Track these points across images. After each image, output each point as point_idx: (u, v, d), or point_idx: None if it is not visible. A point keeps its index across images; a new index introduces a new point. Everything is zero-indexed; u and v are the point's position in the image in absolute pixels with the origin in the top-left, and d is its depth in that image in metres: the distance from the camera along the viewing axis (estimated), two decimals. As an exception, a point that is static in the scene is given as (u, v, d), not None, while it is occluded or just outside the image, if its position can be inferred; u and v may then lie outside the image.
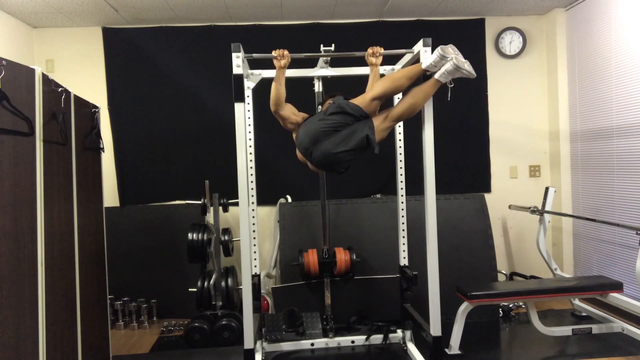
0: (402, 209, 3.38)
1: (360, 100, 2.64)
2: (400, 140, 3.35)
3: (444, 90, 2.63)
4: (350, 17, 4.37)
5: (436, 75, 2.59)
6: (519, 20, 4.50)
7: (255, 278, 3.05)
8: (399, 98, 3.18)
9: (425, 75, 2.68)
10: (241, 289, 2.82)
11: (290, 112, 2.79)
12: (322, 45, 3.11)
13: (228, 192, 3.86)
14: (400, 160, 3.36)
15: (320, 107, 3.14)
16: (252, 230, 3.10)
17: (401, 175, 3.36)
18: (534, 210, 3.99)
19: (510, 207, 4.36)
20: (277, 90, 2.67)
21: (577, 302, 3.82)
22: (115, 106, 4.33)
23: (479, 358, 3.14)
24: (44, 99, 2.24)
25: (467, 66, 2.54)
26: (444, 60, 2.53)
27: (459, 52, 2.57)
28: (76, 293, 2.55)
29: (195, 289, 3.69)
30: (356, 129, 2.55)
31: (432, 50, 2.72)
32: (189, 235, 3.67)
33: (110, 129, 4.32)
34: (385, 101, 2.74)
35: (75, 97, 2.65)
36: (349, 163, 2.63)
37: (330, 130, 2.54)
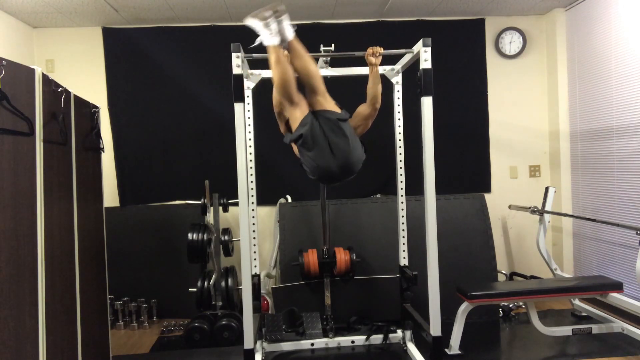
0: (402, 209, 3.38)
1: (291, 114, 2.53)
2: (400, 140, 3.35)
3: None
4: (350, 17, 4.37)
5: (286, 38, 2.43)
6: (519, 20, 4.50)
7: (255, 278, 3.05)
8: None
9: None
10: (241, 289, 2.82)
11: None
12: (322, 45, 3.11)
13: (228, 192, 3.85)
14: (400, 160, 3.36)
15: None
16: (252, 230, 3.10)
17: (401, 175, 3.36)
18: (534, 210, 3.99)
19: (510, 207, 4.36)
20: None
21: (577, 302, 3.82)
22: (115, 106, 4.33)
23: (479, 358, 3.14)
24: (44, 99, 2.24)
25: (277, 9, 2.39)
26: (270, 23, 2.38)
27: (266, 10, 2.40)
28: (76, 293, 2.55)
29: (195, 289, 3.68)
30: (323, 122, 2.46)
31: (432, 51, 2.73)
32: (189, 235, 3.67)
33: (110, 129, 4.32)
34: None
35: (75, 97, 2.65)
36: (363, 145, 2.57)
37: (326, 150, 2.44)
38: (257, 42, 2.46)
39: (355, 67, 3.26)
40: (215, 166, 4.31)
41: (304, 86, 2.54)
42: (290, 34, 2.43)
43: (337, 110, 2.52)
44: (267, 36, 2.41)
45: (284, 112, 2.70)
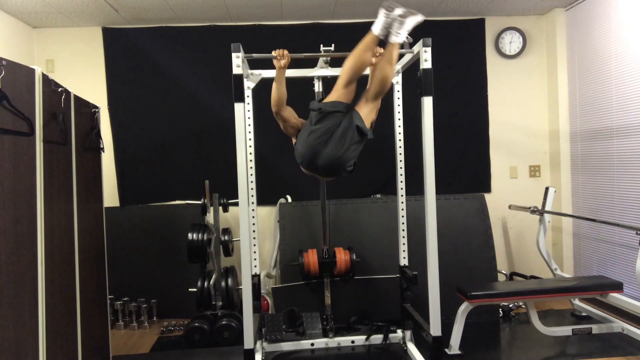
0: (402, 209, 3.38)
1: (334, 95, 2.60)
2: (400, 140, 3.35)
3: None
4: (350, 17, 4.37)
5: (390, 40, 2.53)
6: (519, 20, 4.50)
7: (255, 278, 3.05)
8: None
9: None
10: (241, 289, 2.82)
11: (291, 115, 2.77)
12: (322, 45, 3.11)
13: (228, 192, 3.85)
14: (400, 160, 3.36)
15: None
16: (252, 230, 3.10)
17: (401, 175, 3.36)
18: (534, 210, 3.99)
19: (510, 207, 4.36)
20: (278, 91, 2.66)
21: (577, 302, 3.82)
22: (115, 106, 4.33)
23: (479, 358, 3.15)
24: (44, 99, 2.24)
25: (413, 16, 2.47)
26: (390, 19, 2.47)
27: (401, 7, 2.48)
28: (76, 293, 2.55)
29: (195, 289, 3.68)
30: (346, 125, 2.52)
31: (432, 51, 2.72)
32: (189, 235, 3.67)
33: (110, 129, 4.32)
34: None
35: (75, 97, 2.65)
36: (355, 159, 2.61)
37: (324, 138, 2.51)
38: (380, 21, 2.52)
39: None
40: (215, 166, 4.31)
41: (371, 87, 2.61)
42: (397, 38, 2.52)
43: (368, 123, 2.58)
44: (377, 23, 2.51)
45: (281, 113, 2.72)
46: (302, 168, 2.69)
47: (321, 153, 2.52)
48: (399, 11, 2.45)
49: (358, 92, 2.70)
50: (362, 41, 2.56)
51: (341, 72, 2.62)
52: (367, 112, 2.59)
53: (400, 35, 2.50)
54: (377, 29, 2.51)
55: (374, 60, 2.71)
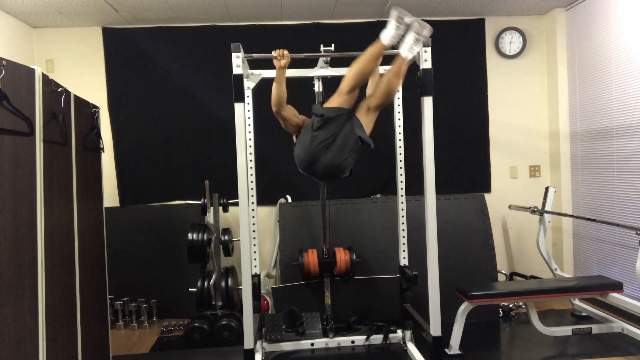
0: (402, 209, 3.38)
1: (336, 99, 2.58)
2: (400, 140, 3.35)
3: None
4: (350, 17, 4.37)
5: (402, 53, 2.55)
6: (519, 20, 4.50)
7: (255, 278, 3.04)
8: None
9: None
10: (241, 289, 2.82)
11: (292, 114, 2.76)
12: (322, 45, 3.11)
13: (228, 192, 3.86)
14: (400, 160, 3.36)
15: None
16: (252, 230, 3.10)
17: (401, 175, 3.36)
18: (534, 210, 3.99)
19: (510, 207, 4.36)
20: (278, 91, 2.66)
21: (577, 302, 3.82)
22: (115, 106, 4.33)
23: (479, 358, 3.14)
24: (44, 99, 2.24)
25: (425, 31, 2.50)
26: (400, 31, 2.48)
27: (411, 16, 2.50)
28: (76, 293, 2.55)
29: (195, 289, 3.68)
30: (347, 133, 2.52)
31: (432, 50, 2.73)
32: (189, 235, 3.67)
33: (110, 129, 4.32)
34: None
35: (75, 97, 2.65)
36: (352, 166, 2.62)
37: (324, 145, 2.51)
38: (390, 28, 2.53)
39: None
40: (215, 166, 4.31)
41: (376, 97, 2.62)
42: (410, 54, 2.54)
43: (367, 132, 2.58)
44: (387, 34, 2.52)
45: (281, 112, 2.72)
46: (300, 170, 2.70)
47: (320, 159, 2.53)
48: (409, 20, 2.46)
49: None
50: (369, 49, 2.57)
51: (345, 78, 2.61)
52: (367, 122, 2.60)
53: (414, 51, 2.53)
54: (386, 39, 2.52)
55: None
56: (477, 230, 3.94)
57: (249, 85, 3.26)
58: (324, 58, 3.17)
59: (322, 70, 3.24)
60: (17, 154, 2.06)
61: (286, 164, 4.21)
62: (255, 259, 3.18)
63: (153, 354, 3.41)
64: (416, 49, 2.55)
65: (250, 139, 3.18)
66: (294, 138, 2.80)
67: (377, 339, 3.38)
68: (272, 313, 3.72)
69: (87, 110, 2.86)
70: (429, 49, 2.71)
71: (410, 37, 2.50)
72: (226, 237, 3.79)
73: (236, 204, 3.58)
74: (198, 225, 3.76)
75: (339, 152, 2.51)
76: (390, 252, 3.69)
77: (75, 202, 2.59)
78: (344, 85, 2.59)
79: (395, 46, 2.57)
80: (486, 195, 4.20)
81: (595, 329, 3.27)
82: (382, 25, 4.33)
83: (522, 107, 4.55)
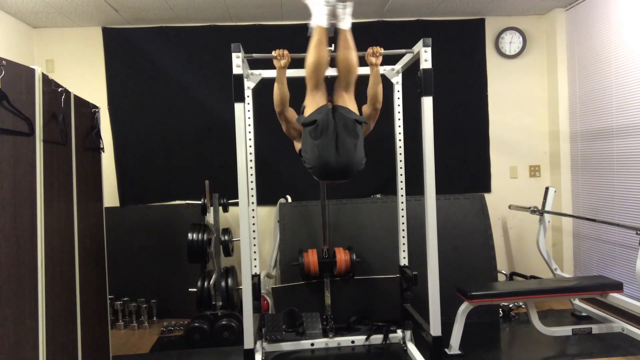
0: (402, 209, 3.38)
1: (311, 102, 2.57)
2: (400, 140, 3.35)
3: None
4: (351, 17, 4.36)
5: (340, 26, 2.49)
6: (519, 20, 4.50)
7: (255, 278, 3.05)
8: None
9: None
10: (241, 289, 2.82)
11: (294, 117, 2.73)
12: (322, 45, 3.10)
13: (228, 192, 3.86)
14: (400, 160, 3.36)
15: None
16: (252, 230, 3.10)
17: (401, 175, 3.36)
18: (534, 210, 3.99)
19: (510, 207, 4.36)
20: (280, 91, 2.63)
21: (577, 302, 3.82)
22: (115, 106, 4.33)
23: (479, 358, 3.14)
24: (44, 99, 2.24)
25: None
26: (331, 5, 2.42)
27: None
28: (76, 293, 2.55)
29: (195, 289, 3.68)
30: (343, 123, 2.47)
31: (432, 51, 2.72)
32: (189, 235, 3.67)
33: (110, 129, 4.32)
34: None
35: (75, 97, 2.65)
36: (365, 157, 2.58)
37: (331, 146, 2.43)
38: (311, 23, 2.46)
39: (356, 67, 3.26)
40: (215, 166, 4.30)
41: (340, 77, 2.59)
42: (346, 24, 2.46)
43: (357, 111, 2.55)
44: (319, 15, 2.44)
45: (284, 113, 2.70)
46: (315, 177, 2.62)
47: (340, 161, 2.44)
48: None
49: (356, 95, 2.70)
50: (312, 39, 2.52)
51: (306, 77, 2.59)
52: (352, 104, 2.56)
53: (347, 19, 2.46)
54: (322, 20, 2.45)
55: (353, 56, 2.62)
56: (477, 230, 3.94)
57: (249, 85, 3.26)
58: (324, 58, 3.16)
59: (322, 70, 3.23)
60: (17, 154, 2.06)
61: (286, 164, 4.22)
62: (255, 259, 3.18)
63: (153, 354, 3.41)
64: (349, 17, 2.47)
65: (250, 139, 3.18)
66: (295, 144, 2.77)
67: (377, 339, 3.38)
68: (272, 313, 3.72)
69: (87, 110, 2.86)
70: (429, 49, 2.71)
71: (339, 9, 2.44)
72: (226, 237, 3.79)
73: (236, 204, 3.58)
74: (198, 225, 3.76)
75: (349, 144, 2.45)
76: (390, 252, 3.69)
77: (76, 202, 2.59)
78: (308, 84, 2.58)
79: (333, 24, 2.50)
80: (486, 195, 4.20)
81: (595, 329, 3.27)
82: (382, 25, 4.41)
83: (522, 107, 4.55)
